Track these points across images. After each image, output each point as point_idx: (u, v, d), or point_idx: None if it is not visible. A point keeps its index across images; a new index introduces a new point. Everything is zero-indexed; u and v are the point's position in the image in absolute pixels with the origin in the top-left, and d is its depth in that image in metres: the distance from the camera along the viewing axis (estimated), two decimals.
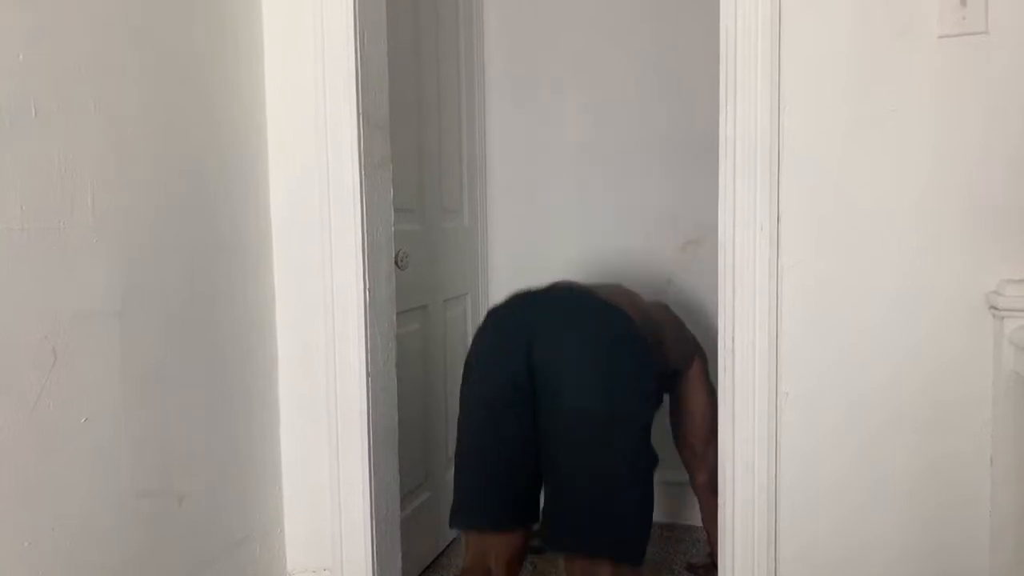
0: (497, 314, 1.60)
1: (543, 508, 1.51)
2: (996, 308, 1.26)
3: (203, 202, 1.54)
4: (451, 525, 1.61)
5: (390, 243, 1.79)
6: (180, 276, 1.48)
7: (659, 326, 1.74)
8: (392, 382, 1.80)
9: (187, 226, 1.49)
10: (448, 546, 2.35)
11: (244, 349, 1.67)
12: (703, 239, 2.36)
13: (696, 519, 2.37)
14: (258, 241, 1.70)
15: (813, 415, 1.41)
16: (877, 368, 1.37)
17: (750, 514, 1.46)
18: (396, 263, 1.87)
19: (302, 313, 1.73)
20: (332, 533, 1.74)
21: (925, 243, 1.33)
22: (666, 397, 2.08)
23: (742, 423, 1.46)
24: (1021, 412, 1.21)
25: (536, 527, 1.53)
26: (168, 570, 1.46)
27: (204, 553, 1.55)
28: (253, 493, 1.70)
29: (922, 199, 1.33)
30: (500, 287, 2.64)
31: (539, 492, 1.55)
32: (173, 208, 1.46)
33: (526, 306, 1.58)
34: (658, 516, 2.45)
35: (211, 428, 1.57)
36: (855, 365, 1.38)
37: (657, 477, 2.26)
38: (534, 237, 2.57)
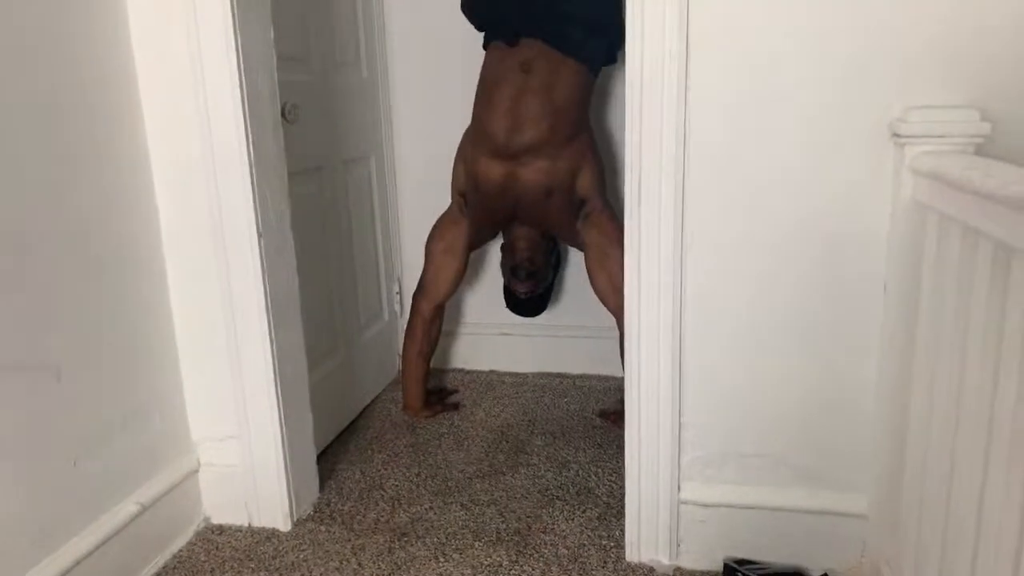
0: None
1: None
2: (898, 135, 1.24)
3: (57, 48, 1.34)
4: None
5: (274, 91, 1.63)
6: (39, 127, 1.31)
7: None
8: (288, 243, 1.70)
9: (41, 73, 1.30)
10: (364, 409, 2.34)
11: (119, 213, 1.52)
12: None
13: (608, 369, 2.43)
14: (123, 90, 1.52)
15: (717, 254, 1.40)
16: (780, 203, 1.36)
17: (655, 347, 1.47)
18: (283, 115, 1.72)
19: (181, 172, 1.58)
20: (236, 400, 1.68)
21: (827, 73, 1.29)
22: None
23: (648, 268, 1.43)
24: (916, 238, 1.22)
25: None
26: (54, 450, 1.38)
27: (94, 429, 1.47)
28: (145, 363, 1.61)
29: (822, 29, 1.27)
30: (409, 149, 2.50)
31: None
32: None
33: None
34: (571, 367, 2.52)
35: (87, 296, 1.45)
36: (760, 202, 1.36)
37: (568, 323, 2.27)
38: (443, 91, 2.41)
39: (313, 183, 2.01)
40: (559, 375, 2.54)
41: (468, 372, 2.59)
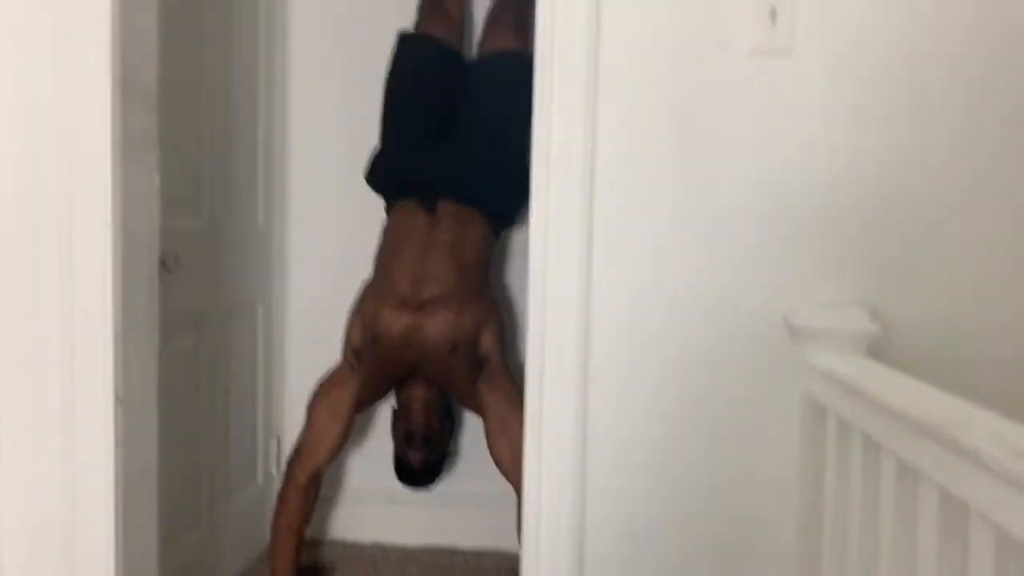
0: None
1: None
2: (793, 330, 1.26)
3: None
4: None
5: (153, 240, 1.51)
6: None
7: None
8: (151, 409, 1.51)
9: None
10: None
11: None
12: None
13: (504, 543, 2.26)
14: None
15: (617, 437, 1.34)
16: (678, 379, 1.33)
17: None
18: (162, 265, 1.59)
19: (31, 313, 1.40)
20: None
21: (723, 266, 1.31)
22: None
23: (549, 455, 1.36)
24: (815, 430, 1.20)
25: None
26: None
27: None
28: None
29: (722, 216, 1.31)
30: (300, 298, 2.39)
31: None
32: None
33: None
34: (464, 540, 2.34)
35: None
36: (660, 381, 1.33)
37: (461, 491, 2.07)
38: (341, 243, 2.34)
39: (190, 336, 1.85)
40: (450, 550, 2.34)
41: (348, 545, 2.35)
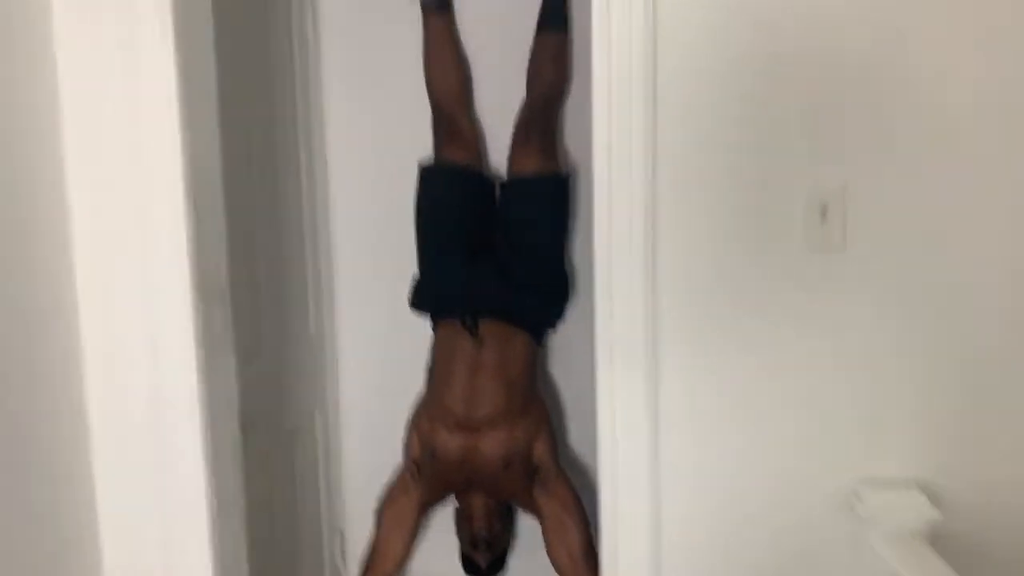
0: None
1: None
2: (855, 511, 1.33)
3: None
4: None
5: (234, 418, 1.59)
6: None
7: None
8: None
9: None
10: None
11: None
12: None
13: None
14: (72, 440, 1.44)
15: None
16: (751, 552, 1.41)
17: None
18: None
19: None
20: None
21: (796, 438, 1.37)
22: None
23: None
24: None
25: None
26: None
27: None
28: None
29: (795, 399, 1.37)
30: (353, 403, 2.48)
31: None
32: None
33: None
34: None
35: None
36: (732, 546, 1.41)
37: None
38: (389, 349, 2.43)
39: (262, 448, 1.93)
40: None
41: None
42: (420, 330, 2.28)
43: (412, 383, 2.37)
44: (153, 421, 1.45)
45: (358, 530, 2.48)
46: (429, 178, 2.19)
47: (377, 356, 2.44)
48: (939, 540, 1.27)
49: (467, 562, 2.25)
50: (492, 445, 2.02)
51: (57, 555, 1.41)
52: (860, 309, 1.34)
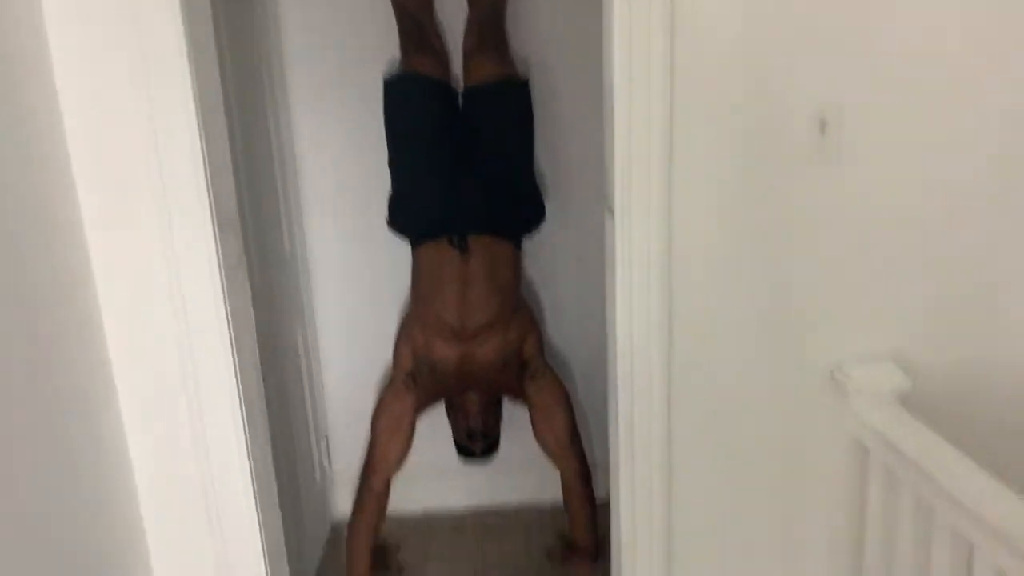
0: None
1: None
2: (837, 384, 1.53)
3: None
4: None
5: (253, 334, 1.62)
6: None
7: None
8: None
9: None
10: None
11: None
12: None
13: (541, 496, 2.59)
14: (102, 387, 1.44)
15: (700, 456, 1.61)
16: (744, 424, 1.60)
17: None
18: None
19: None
20: None
21: (789, 319, 1.54)
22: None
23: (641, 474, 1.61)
24: (858, 478, 1.52)
25: None
26: None
27: None
28: None
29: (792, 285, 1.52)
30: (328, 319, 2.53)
31: None
32: None
33: None
34: (507, 498, 2.65)
35: None
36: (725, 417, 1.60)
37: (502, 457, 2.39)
38: (363, 266, 2.47)
39: None
40: (495, 511, 2.66)
41: (403, 518, 2.62)
42: (389, 245, 2.33)
43: (383, 296, 2.44)
44: (183, 346, 1.46)
45: (341, 435, 2.60)
46: (398, 90, 2.14)
47: (347, 272, 2.48)
48: (913, 407, 1.48)
49: (462, 448, 2.40)
50: (488, 351, 2.12)
51: (85, 450, 1.44)
52: (854, 209, 1.48)
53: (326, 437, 2.59)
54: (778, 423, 1.59)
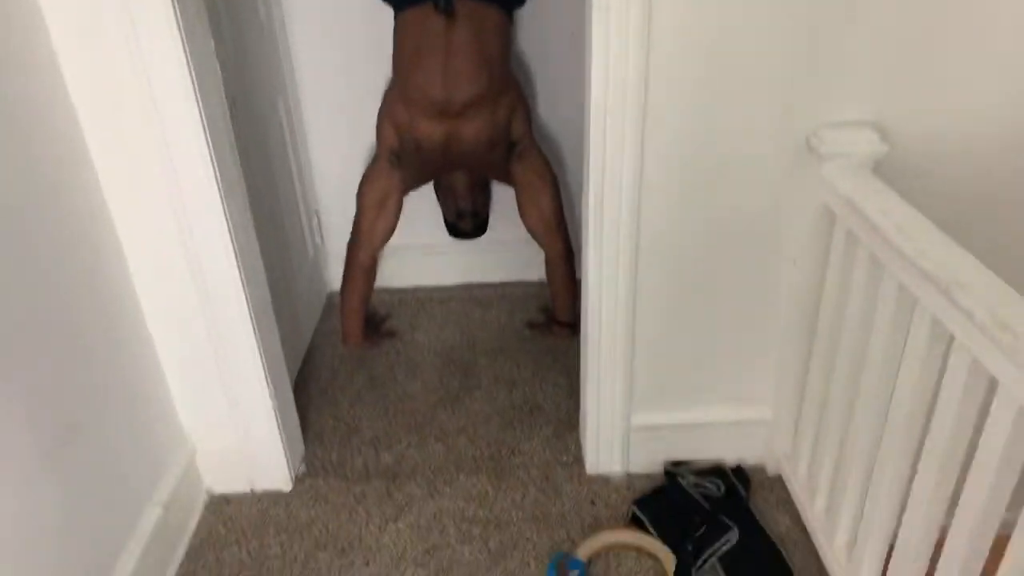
0: None
1: None
2: (813, 149, 1.50)
3: None
4: None
5: (219, 83, 1.59)
6: None
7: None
8: (244, 199, 1.71)
9: None
10: (307, 348, 2.48)
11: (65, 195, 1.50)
12: None
13: (526, 274, 2.68)
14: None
15: (667, 205, 1.64)
16: (721, 202, 1.61)
17: (613, 307, 1.75)
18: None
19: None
20: (222, 377, 1.78)
21: (754, 81, 1.49)
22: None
23: (609, 231, 1.63)
24: (822, 240, 1.54)
25: None
26: (79, 483, 1.48)
27: (104, 451, 1.56)
28: (130, 368, 1.67)
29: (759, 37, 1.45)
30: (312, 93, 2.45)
31: None
32: None
33: None
34: (492, 275, 2.75)
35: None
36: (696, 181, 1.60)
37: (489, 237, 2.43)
38: (343, 43, 2.35)
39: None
40: (481, 285, 2.76)
41: (394, 291, 2.74)
42: (370, 13, 2.20)
43: (366, 66, 2.34)
44: (151, 106, 1.45)
45: (333, 213, 2.63)
46: None
47: (328, 41, 2.37)
48: (888, 172, 1.47)
49: (451, 227, 2.45)
50: (475, 129, 2.07)
51: (80, 233, 1.50)
52: None
53: (317, 214, 2.63)
54: (751, 191, 1.59)
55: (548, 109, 2.49)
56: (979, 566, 1.14)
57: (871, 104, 1.50)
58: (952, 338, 1.13)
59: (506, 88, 2.10)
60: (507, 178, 2.26)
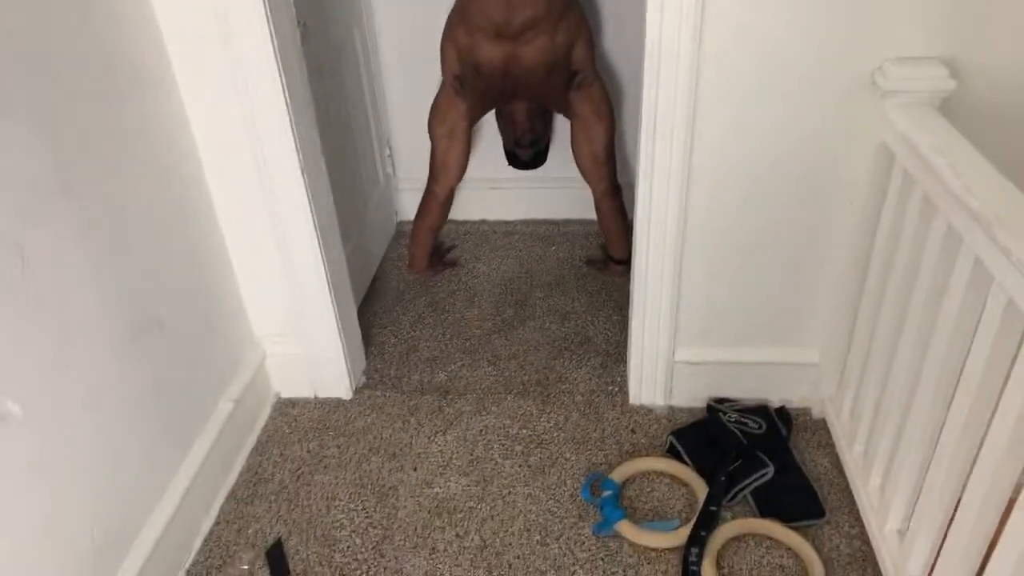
0: None
1: None
2: (877, 85, 1.46)
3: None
4: None
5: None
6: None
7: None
8: (312, 125, 1.80)
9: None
10: (376, 271, 2.60)
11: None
12: None
13: (588, 214, 2.70)
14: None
15: (716, 183, 1.65)
16: (778, 140, 1.59)
17: (661, 245, 1.77)
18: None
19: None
20: (291, 287, 1.90)
21: (820, 27, 1.45)
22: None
23: (661, 164, 1.65)
24: (881, 179, 1.50)
25: None
26: (168, 383, 1.64)
27: (188, 349, 1.72)
28: (210, 275, 1.82)
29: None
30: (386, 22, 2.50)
31: None
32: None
33: None
34: (556, 213, 2.79)
35: (177, 261, 1.62)
36: (757, 137, 1.59)
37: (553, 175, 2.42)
38: None
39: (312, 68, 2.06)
40: (545, 221, 2.81)
41: (460, 223, 2.82)
42: None
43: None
44: (226, 28, 1.55)
45: (403, 141, 2.71)
46: None
47: None
48: (956, 111, 1.42)
49: (512, 157, 2.49)
50: (534, 53, 2.08)
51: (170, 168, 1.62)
52: None
53: (389, 145, 2.72)
54: (810, 128, 1.57)
55: (612, 40, 2.47)
56: (999, 511, 1.14)
57: (941, 37, 1.44)
58: (992, 279, 1.11)
59: (567, 12, 2.08)
60: (566, 109, 2.27)
